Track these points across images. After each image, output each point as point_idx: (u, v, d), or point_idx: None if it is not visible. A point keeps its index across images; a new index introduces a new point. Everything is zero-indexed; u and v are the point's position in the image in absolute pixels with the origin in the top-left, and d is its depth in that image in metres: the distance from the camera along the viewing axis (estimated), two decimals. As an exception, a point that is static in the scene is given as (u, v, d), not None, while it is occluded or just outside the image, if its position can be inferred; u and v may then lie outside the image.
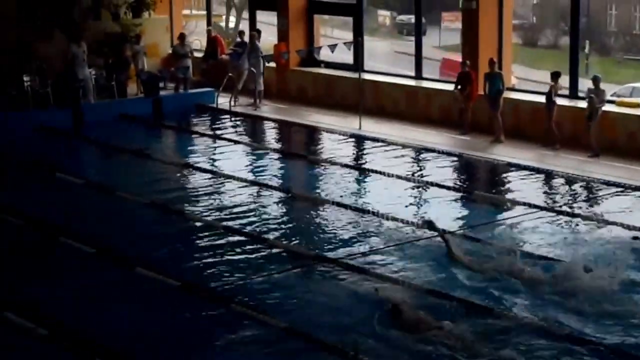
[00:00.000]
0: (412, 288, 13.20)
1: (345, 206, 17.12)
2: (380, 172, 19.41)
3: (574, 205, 17.29)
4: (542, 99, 21.58)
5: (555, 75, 21.18)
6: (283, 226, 16.36)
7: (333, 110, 25.33)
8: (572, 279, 13.23)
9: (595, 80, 20.53)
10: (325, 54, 26.09)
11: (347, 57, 26.14)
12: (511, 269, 13.55)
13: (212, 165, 20.78)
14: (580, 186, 18.66)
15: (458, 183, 19.16)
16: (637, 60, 31.70)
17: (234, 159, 21.46)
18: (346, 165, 20.24)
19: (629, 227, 15.62)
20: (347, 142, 22.53)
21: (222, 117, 25.60)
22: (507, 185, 19.04)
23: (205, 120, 25.40)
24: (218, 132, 24.03)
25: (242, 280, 13.47)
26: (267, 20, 30.38)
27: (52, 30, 26.26)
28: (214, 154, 22.03)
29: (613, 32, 32.61)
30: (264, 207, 17.48)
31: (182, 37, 27.80)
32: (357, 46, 24.76)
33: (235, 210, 17.11)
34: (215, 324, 12.34)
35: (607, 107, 20.69)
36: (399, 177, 19.11)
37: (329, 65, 27.49)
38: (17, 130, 22.86)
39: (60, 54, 25.32)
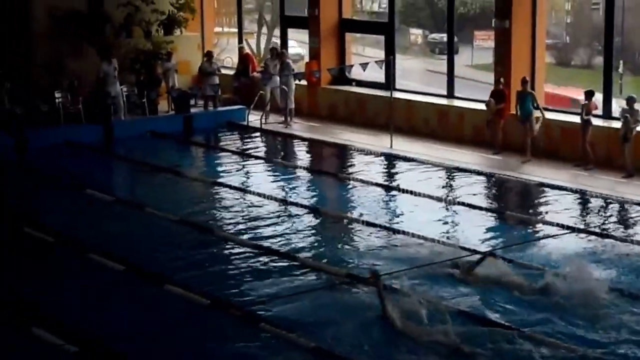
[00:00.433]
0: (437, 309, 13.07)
1: (375, 225, 17.00)
2: (410, 192, 19.26)
3: (607, 226, 17.06)
4: (574, 118, 21.41)
5: (588, 94, 20.98)
6: (313, 244, 16.26)
7: (364, 128, 25.25)
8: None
9: (630, 101, 20.32)
10: (356, 73, 26.02)
11: (379, 75, 26.06)
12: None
13: (242, 182, 20.72)
14: (614, 207, 18.41)
15: (489, 203, 18.97)
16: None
17: (264, 176, 21.43)
18: (377, 184, 20.11)
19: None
20: (378, 160, 22.42)
21: (253, 134, 25.58)
22: (539, 206, 18.82)
23: (236, 137, 25.37)
24: (248, 149, 23.99)
25: (272, 299, 13.36)
26: (299, 38, 30.37)
27: (83, 47, 26.39)
28: (244, 171, 21.98)
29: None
30: (293, 224, 17.37)
31: (209, 54, 27.84)
32: (389, 65, 24.67)
33: (264, 227, 17.05)
34: (244, 343, 12.23)
35: (641, 128, 20.48)
36: (429, 196, 18.96)
37: (360, 83, 27.42)
38: (48, 146, 22.94)
39: (91, 71, 25.41)
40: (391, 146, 23.08)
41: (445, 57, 26.17)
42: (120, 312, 13.29)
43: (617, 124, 20.73)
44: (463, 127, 23.85)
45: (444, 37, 26.97)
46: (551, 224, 17.06)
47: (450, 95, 25.18)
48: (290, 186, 20.38)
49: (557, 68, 28.66)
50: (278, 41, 30.64)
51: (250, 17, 37.46)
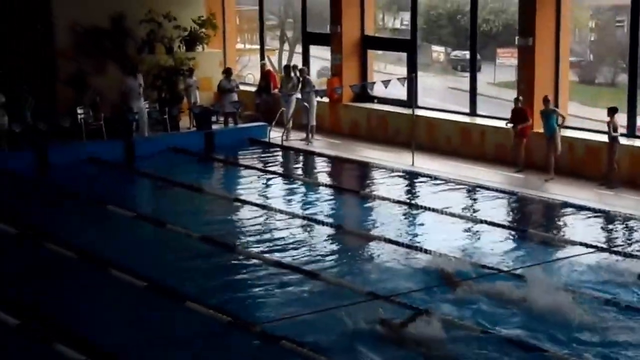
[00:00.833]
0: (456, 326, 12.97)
1: (397, 243, 16.90)
2: (432, 209, 19.15)
3: (632, 245, 16.89)
4: (598, 137, 21.27)
5: (611, 111, 20.80)
6: (333, 262, 16.18)
7: (386, 146, 25.18)
8: None
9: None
10: (378, 90, 25.97)
11: (401, 92, 25.99)
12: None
13: (263, 199, 20.66)
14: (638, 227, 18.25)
15: (511, 221, 18.83)
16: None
17: (285, 193, 21.39)
18: (398, 202, 20.00)
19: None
20: (400, 178, 22.31)
21: (274, 151, 25.53)
22: (562, 225, 18.66)
23: (257, 154, 25.33)
24: (269, 166, 23.95)
25: (292, 316, 13.26)
26: (320, 55, 30.36)
27: (106, 63, 26.49)
28: (265, 188, 21.93)
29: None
30: (314, 242, 17.30)
31: (228, 71, 27.88)
32: (411, 82, 24.61)
33: (285, 244, 16.98)
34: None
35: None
36: (451, 214, 18.84)
37: (382, 100, 27.38)
38: (70, 162, 22.98)
39: (113, 87, 25.49)
40: (413, 164, 22.98)
41: (467, 74, 26.09)
42: (140, 328, 13.25)
43: (640, 143, 20.63)
44: (485, 145, 23.73)
45: (466, 54, 26.90)
46: (573, 242, 16.91)
47: (472, 113, 25.09)
48: (312, 203, 20.30)
49: (581, 86, 28.48)
50: (299, 58, 30.62)
51: (272, 34, 37.47)
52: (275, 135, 26.21)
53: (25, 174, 22.22)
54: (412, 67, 26.36)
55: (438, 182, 21.62)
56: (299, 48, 32.14)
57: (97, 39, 26.60)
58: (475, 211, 19.38)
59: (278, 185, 22.18)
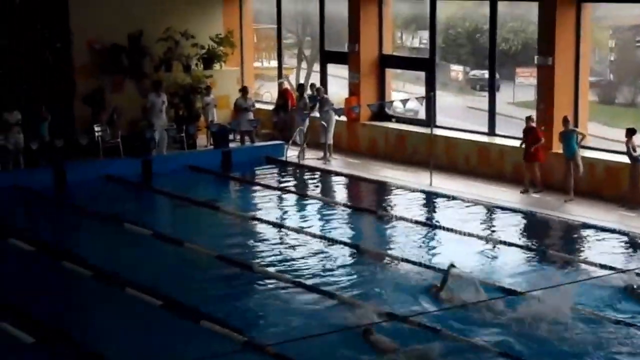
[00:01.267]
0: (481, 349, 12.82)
1: (414, 263, 16.77)
2: (451, 230, 19.01)
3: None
4: (618, 157, 21.11)
5: (630, 132, 20.60)
6: (350, 282, 16.05)
7: (404, 165, 25.06)
8: None
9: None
10: (396, 109, 25.87)
11: (419, 111, 25.89)
12: None
13: (280, 218, 20.58)
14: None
15: (529, 242, 18.65)
16: None
17: (302, 212, 21.30)
18: (416, 222, 19.86)
19: None
20: (418, 198, 22.18)
21: (291, 170, 25.45)
22: (582, 246, 18.49)
23: (274, 173, 25.25)
24: (286, 185, 23.87)
25: (309, 336, 13.14)
26: (338, 73, 30.30)
27: (123, 81, 26.54)
28: (282, 207, 21.86)
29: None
30: (331, 261, 17.19)
31: (244, 90, 27.89)
32: (429, 101, 24.51)
33: (302, 264, 16.90)
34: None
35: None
36: (470, 234, 18.70)
37: (400, 119, 27.29)
38: (87, 179, 22.97)
39: (131, 104, 25.52)
40: (431, 183, 22.85)
41: (486, 94, 25.98)
42: (155, 347, 13.18)
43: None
44: (504, 165, 23.59)
45: (485, 73, 26.78)
46: (593, 264, 16.74)
47: (491, 132, 24.95)
48: (328, 222, 20.20)
49: (601, 106, 28.33)
50: (317, 76, 30.58)
51: (290, 52, 37.46)
52: (292, 153, 26.14)
53: (42, 191, 22.22)
54: (431, 86, 26.27)
55: (456, 202, 21.47)
56: (316, 67, 32.06)
57: (114, 57, 26.65)
58: (492, 231, 19.23)
59: (295, 204, 22.09)
